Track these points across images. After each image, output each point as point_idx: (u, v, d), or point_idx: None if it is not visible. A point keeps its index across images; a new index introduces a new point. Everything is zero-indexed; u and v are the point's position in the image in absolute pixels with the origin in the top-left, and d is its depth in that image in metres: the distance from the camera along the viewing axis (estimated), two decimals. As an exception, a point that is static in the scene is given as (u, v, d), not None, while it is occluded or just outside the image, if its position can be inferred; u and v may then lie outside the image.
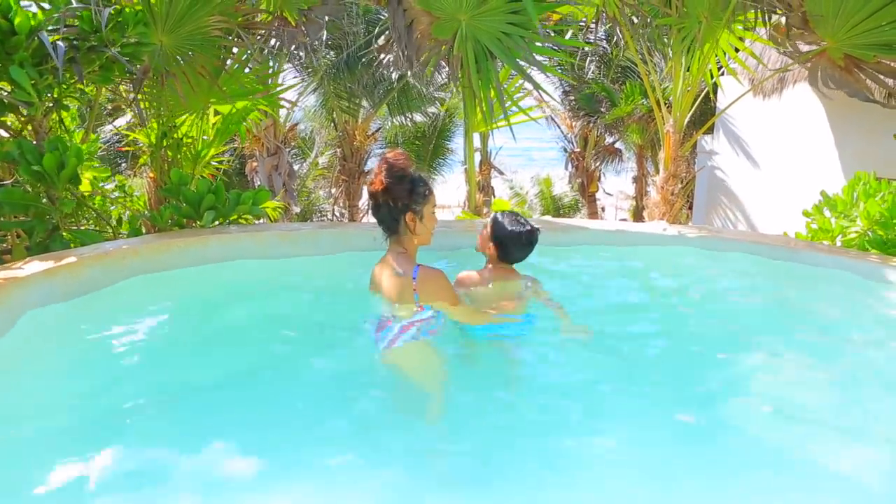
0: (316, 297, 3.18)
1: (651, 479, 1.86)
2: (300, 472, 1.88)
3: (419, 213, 2.51)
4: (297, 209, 12.20)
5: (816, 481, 1.87)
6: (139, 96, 4.17)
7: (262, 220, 7.70)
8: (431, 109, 13.82)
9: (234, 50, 4.41)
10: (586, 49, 12.26)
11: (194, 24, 3.71)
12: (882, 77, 3.93)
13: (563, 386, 2.41)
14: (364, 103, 13.53)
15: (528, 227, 2.73)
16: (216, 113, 5.01)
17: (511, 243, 2.72)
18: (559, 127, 15.06)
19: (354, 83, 12.16)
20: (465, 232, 3.67)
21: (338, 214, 15.33)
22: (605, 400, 2.31)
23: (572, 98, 12.94)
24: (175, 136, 4.82)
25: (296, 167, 14.43)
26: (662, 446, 2.01)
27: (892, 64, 3.91)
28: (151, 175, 4.96)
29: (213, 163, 5.58)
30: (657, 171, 5.27)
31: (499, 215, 2.78)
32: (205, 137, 5.03)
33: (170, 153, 4.89)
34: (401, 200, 2.48)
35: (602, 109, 12.04)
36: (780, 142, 8.88)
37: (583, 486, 1.83)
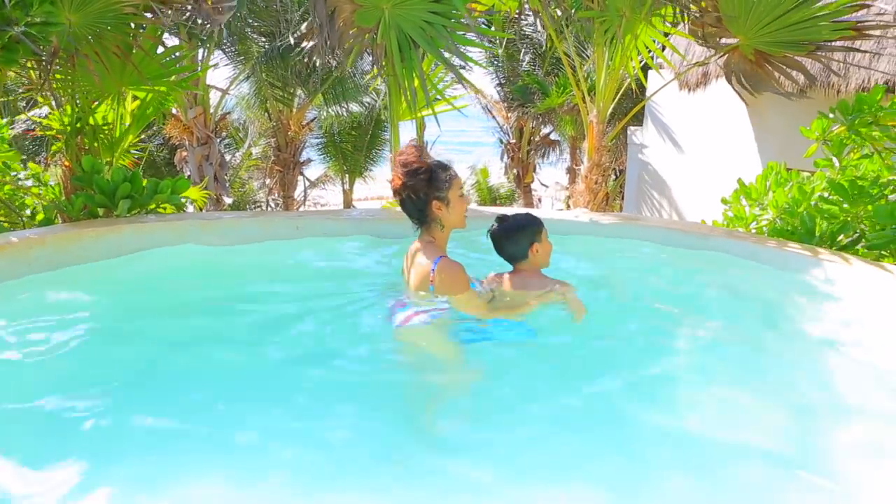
0: (234, 287, 3.13)
1: (565, 474, 1.90)
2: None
3: (444, 199, 2.50)
4: (229, 200, 11.91)
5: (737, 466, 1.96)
6: (50, 78, 3.98)
7: (191, 209, 7.49)
8: (367, 99, 13.71)
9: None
10: (520, 41, 12.41)
11: (104, 0, 3.57)
12: (788, 70, 4.14)
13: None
14: (299, 92, 13.32)
15: (501, 223, 2.72)
16: (135, 98, 4.84)
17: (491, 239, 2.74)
18: (495, 118, 15.20)
19: (288, 71, 11.95)
20: (391, 221, 3.67)
21: (273, 205, 15.06)
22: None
23: (507, 89, 13.07)
24: (90, 121, 4.63)
25: (228, 157, 14.09)
26: (571, 438, 2.07)
27: (797, 58, 4.11)
28: (66, 163, 4.75)
29: (134, 151, 5.39)
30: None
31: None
32: (123, 124, 4.85)
33: (86, 140, 4.69)
34: (422, 192, 2.48)
35: (536, 101, 12.21)
36: (704, 134, 9.22)
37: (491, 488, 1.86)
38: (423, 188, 2.47)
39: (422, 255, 2.51)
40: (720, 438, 2.09)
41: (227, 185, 11.84)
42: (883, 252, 3.81)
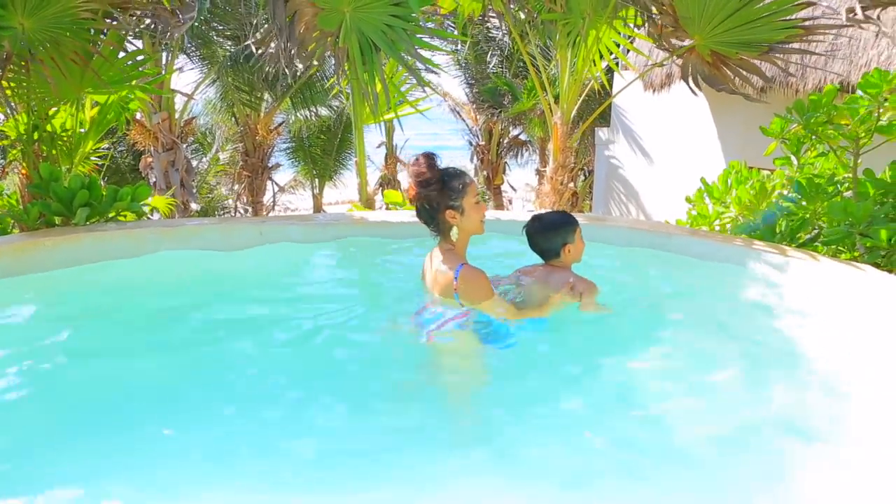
0: (197, 295, 3.08)
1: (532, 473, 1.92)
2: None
3: (458, 207, 2.53)
4: (196, 206, 11.75)
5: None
6: (3, 84, 3.88)
7: (157, 216, 7.37)
8: (336, 103, 13.64)
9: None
10: (486, 43, 12.46)
11: (60, 5, 3.49)
12: (744, 72, 4.22)
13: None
14: (266, 96, 13.20)
15: (534, 222, 2.79)
16: (95, 104, 4.74)
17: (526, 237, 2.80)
18: (464, 120, 15.24)
19: (254, 75, 11.84)
20: (356, 225, 3.66)
21: (242, 211, 14.90)
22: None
23: (476, 91, 13.12)
24: (48, 128, 4.52)
25: (195, 163, 13.90)
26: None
27: (752, 60, 4.19)
28: (23, 171, 4.64)
29: (95, 157, 5.28)
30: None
31: None
32: (83, 130, 4.75)
33: (43, 147, 4.59)
34: (435, 201, 2.51)
35: (505, 103, 12.27)
36: (670, 134, 9.36)
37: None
38: (437, 198, 2.51)
39: (443, 264, 2.54)
40: (686, 433, 2.12)
41: (195, 191, 11.67)
42: (840, 248, 3.90)
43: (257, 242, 3.47)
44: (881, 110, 3.73)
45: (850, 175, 4.13)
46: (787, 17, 4.02)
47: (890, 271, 3.14)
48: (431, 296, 2.62)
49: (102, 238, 3.38)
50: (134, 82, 4.42)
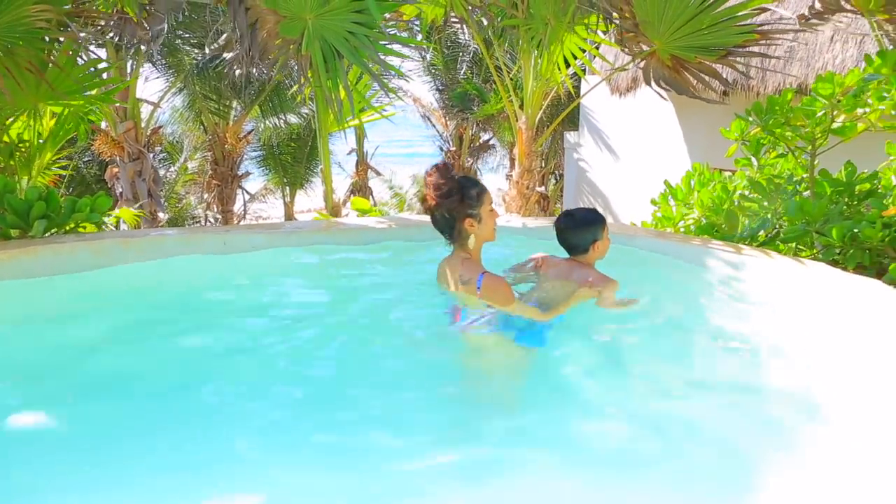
0: (159, 306, 3.04)
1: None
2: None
3: (476, 216, 2.58)
4: (164, 216, 11.57)
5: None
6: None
7: (125, 228, 7.24)
8: (305, 110, 13.56)
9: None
10: (455, 48, 12.51)
11: (12, 14, 3.43)
12: (703, 76, 4.30)
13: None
14: (234, 104, 13.08)
15: (565, 217, 2.88)
16: (54, 115, 4.66)
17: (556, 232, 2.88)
18: (434, 126, 15.26)
19: (222, 83, 11.72)
20: (321, 232, 3.64)
21: (212, 220, 14.72)
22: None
23: (446, 97, 13.15)
24: (5, 139, 4.43)
25: (163, 172, 13.72)
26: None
27: (711, 64, 4.28)
28: (-21, 184, 4.54)
29: (56, 168, 5.19)
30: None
31: None
32: (42, 141, 4.66)
33: (0, 159, 4.50)
34: (455, 211, 2.56)
35: (474, 108, 12.32)
36: (637, 137, 9.48)
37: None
38: (456, 207, 2.55)
39: (463, 272, 2.59)
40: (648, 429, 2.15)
41: (163, 200, 11.50)
42: (799, 246, 3.98)
43: (221, 251, 3.44)
44: (835, 112, 3.82)
45: (808, 175, 4.22)
46: (744, 23, 4.10)
47: (844, 268, 3.21)
48: (456, 299, 2.68)
49: (60, 250, 3.31)
50: (94, 92, 4.36)
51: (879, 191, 3.84)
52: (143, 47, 4.57)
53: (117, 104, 9.12)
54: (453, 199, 2.53)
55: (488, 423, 2.23)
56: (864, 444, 1.96)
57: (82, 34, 3.74)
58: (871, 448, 1.93)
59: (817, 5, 3.20)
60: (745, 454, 2.00)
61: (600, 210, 10.25)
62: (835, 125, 3.87)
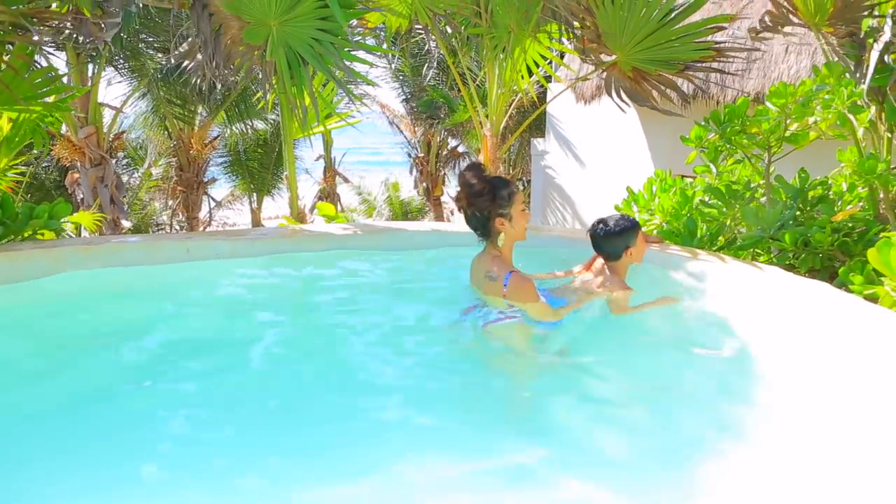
0: (118, 314, 3.00)
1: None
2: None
3: (507, 215, 2.67)
4: (127, 223, 11.37)
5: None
6: None
7: (87, 234, 7.09)
8: (272, 116, 13.45)
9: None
10: (422, 55, 12.55)
11: (-35, 19, 3.35)
12: (663, 88, 4.41)
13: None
14: (200, 110, 12.92)
15: (602, 224, 2.94)
16: (10, 120, 4.55)
17: (592, 239, 2.97)
18: (402, 133, 15.29)
19: (187, 88, 11.57)
20: (286, 239, 3.62)
21: (177, 227, 14.50)
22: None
23: (413, 104, 13.18)
24: (-41, 145, 4.32)
25: (126, 178, 13.48)
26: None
27: (670, 76, 4.39)
28: (-68, 190, 4.41)
29: (13, 174, 5.06)
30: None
31: None
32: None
33: (-45, 166, 4.38)
34: (486, 210, 2.65)
35: (442, 115, 12.38)
36: (602, 144, 9.63)
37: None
38: (487, 206, 2.65)
39: (491, 270, 2.68)
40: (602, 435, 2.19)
41: (126, 207, 11.30)
42: (757, 251, 4.09)
43: (183, 259, 3.40)
44: (788, 121, 3.94)
45: (764, 181, 4.35)
46: (702, 39, 4.23)
47: (798, 272, 3.31)
48: (481, 297, 2.75)
49: (16, 258, 3.24)
50: (53, 98, 4.27)
51: (830, 196, 3.97)
52: (99, 47, 4.48)
53: (76, 113, 8.92)
54: (485, 199, 2.64)
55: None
56: (811, 438, 2.03)
57: (36, 37, 3.66)
58: (820, 441, 2.00)
59: (767, 19, 3.31)
60: (699, 452, 2.06)
61: (567, 216, 10.39)
62: (788, 133, 3.99)
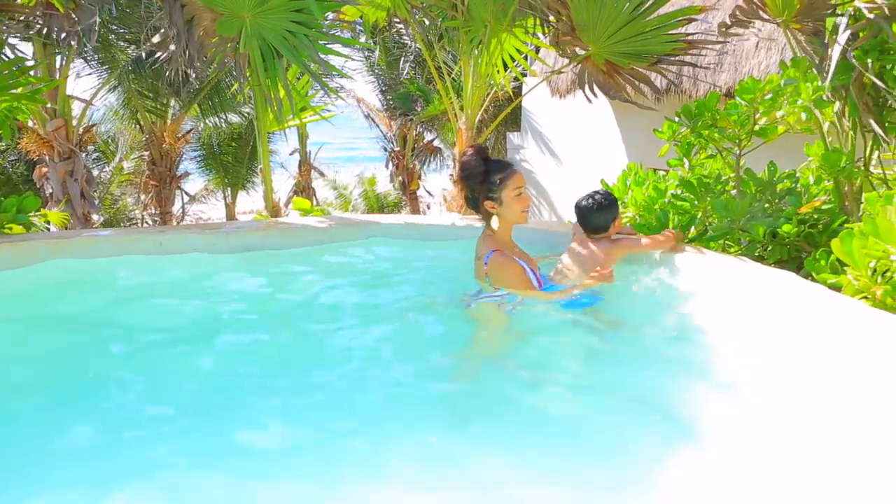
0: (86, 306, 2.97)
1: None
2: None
3: (497, 199, 2.71)
4: (98, 218, 11.17)
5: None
6: None
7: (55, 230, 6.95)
8: (247, 109, 13.32)
9: None
10: (398, 48, 12.51)
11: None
12: (636, 81, 4.46)
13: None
14: (173, 103, 12.74)
15: (595, 198, 3.10)
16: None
17: (582, 216, 3.11)
18: (378, 126, 15.23)
19: (159, 81, 11.39)
20: (260, 232, 3.61)
21: (149, 222, 14.30)
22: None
23: (389, 98, 13.14)
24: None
25: (97, 172, 13.25)
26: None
27: (642, 70, 4.44)
28: None
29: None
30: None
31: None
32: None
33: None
34: (476, 192, 2.72)
35: (418, 109, 12.36)
36: (577, 137, 9.71)
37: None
38: (478, 188, 2.72)
39: (480, 247, 2.77)
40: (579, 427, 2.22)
41: (97, 202, 11.09)
42: (728, 242, 4.17)
43: (155, 252, 3.37)
44: (757, 115, 4.02)
45: (735, 175, 4.43)
46: (673, 31, 4.28)
47: (767, 263, 3.39)
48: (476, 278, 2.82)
49: (-15, 252, 3.19)
50: (20, 90, 4.19)
51: (798, 189, 4.06)
52: (73, 42, 4.41)
53: (47, 105, 8.75)
54: (474, 181, 2.70)
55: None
56: (778, 423, 2.09)
57: (4, 27, 3.59)
58: (786, 425, 2.06)
59: (738, 13, 3.38)
60: (661, 441, 2.10)
61: (543, 209, 10.45)
62: (757, 128, 4.07)
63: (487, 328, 2.78)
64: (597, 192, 3.18)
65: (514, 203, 2.74)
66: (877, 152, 3.57)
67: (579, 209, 3.14)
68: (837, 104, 3.56)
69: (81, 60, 11.09)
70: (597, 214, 3.10)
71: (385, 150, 15.34)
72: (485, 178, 2.71)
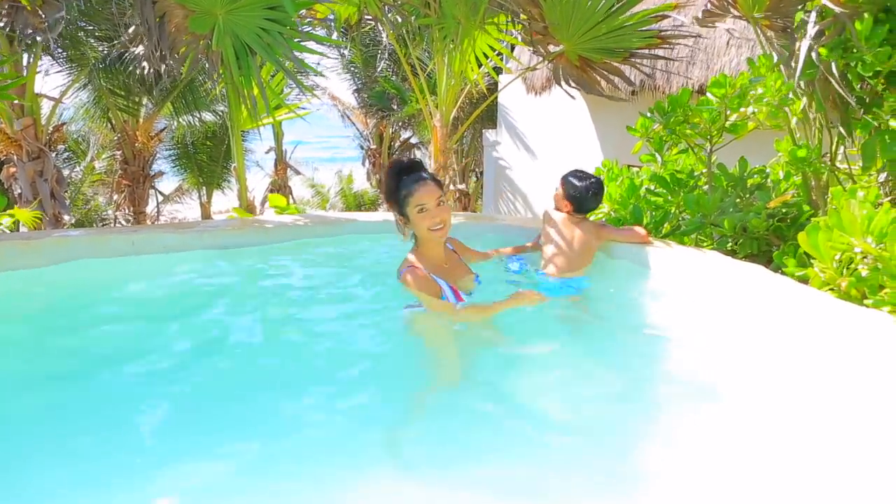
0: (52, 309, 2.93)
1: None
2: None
3: (405, 215, 2.63)
4: (69, 218, 10.99)
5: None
6: None
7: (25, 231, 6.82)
8: (221, 108, 13.17)
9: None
10: (374, 46, 12.47)
11: None
12: (608, 75, 4.51)
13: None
14: (145, 101, 12.56)
15: (592, 180, 3.19)
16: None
17: (581, 197, 3.18)
18: (354, 124, 15.17)
19: (131, 79, 11.22)
20: (234, 231, 3.58)
21: (122, 222, 14.09)
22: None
23: (365, 96, 13.09)
24: None
25: (67, 172, 13.03)
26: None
27: (615, 64, 4.49)
28: None
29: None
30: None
31: (568, 175, 3.26)
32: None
33: None
34: (393, 207, 2.67)
35: (394, 107, 12.33)
36: (552, 134, 9.76)
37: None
38: (392, 205, 2.67)
39: (401, 264, 2.70)
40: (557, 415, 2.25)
41: (67, 202, 10.91)
42: (700, 237, 4.23)
43: (127, 252, 3.33)
44: (728, 112, 4.08)
45: (707, 170, 4.49)
46: (646, 28, 4.33)
47: (738, 257, 3.45)
48: None
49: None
50: None
51: (768, 184, 4.13)
52: (38, 38, 4.33)
53: (15, 101, 8.58)
54: (389, 197, 2.67)
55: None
56: (750, 411, 2.13)
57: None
58: (756, 415, 2.11)
59: (710, 6, 3.44)
60: (640, 433, 2.14)
61: (519, 205, 10.49)
62: (727, 124, 4.13)
63: (433, 349, 2.71)
64: (590, 175, 3.26)
65: (418, 220, 2.60)
66: (842, 147, 3.64)
67: (577, 188, 3.20)
68: (804, 100, 3.62)
69: (49, 58, 10.88)
70: (594, 196, 3.22)
71: (361, 148, 15.29)
72: (394, 194, 2.64)
